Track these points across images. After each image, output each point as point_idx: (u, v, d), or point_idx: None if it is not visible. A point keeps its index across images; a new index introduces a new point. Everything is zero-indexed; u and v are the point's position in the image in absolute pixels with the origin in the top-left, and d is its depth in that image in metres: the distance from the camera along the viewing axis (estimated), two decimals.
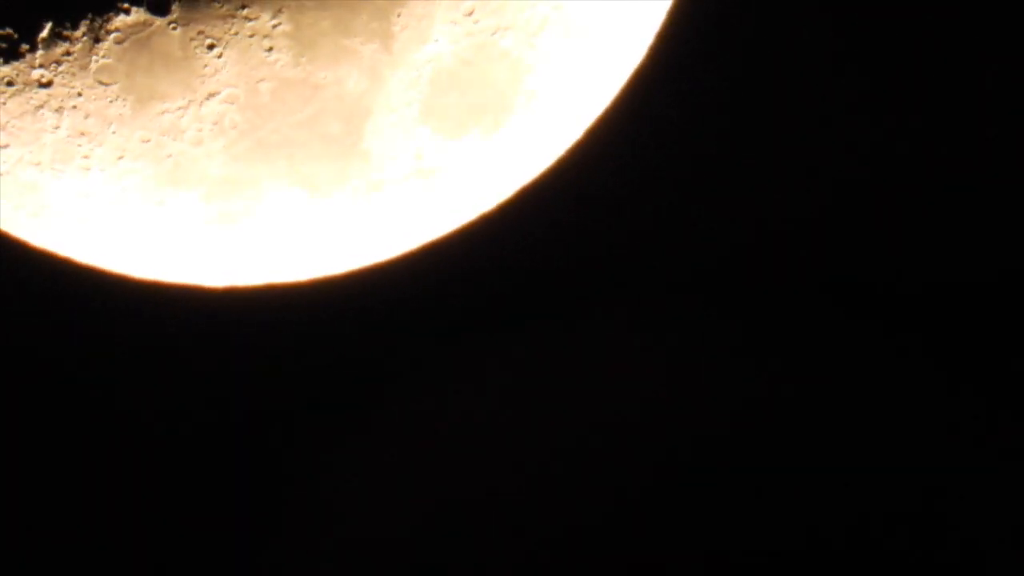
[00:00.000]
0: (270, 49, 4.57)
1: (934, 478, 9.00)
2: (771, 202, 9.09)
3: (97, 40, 4.47)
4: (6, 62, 4.58)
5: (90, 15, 4.42)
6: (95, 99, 4.65)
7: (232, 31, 4.51)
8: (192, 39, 4.51)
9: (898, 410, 9.04)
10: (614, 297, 9.40)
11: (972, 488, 9.03)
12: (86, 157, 4.88)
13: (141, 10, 4.42)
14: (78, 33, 4.46)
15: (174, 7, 4.43)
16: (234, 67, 4.59)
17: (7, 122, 4.79)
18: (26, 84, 4.65)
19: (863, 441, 9.05)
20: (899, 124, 8.77)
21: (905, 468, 8.96)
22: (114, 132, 4.76)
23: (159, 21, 4.46)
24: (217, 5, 4.44)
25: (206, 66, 4.58)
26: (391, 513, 9.41)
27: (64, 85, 4.63)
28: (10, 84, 4.65)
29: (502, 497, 9.34)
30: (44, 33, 4.48)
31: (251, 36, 4.53)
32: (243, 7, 4.46)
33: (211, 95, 4.67)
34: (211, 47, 4.54)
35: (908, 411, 9.04)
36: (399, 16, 4.64)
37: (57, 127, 4.77)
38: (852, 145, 8.85)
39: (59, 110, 4.71)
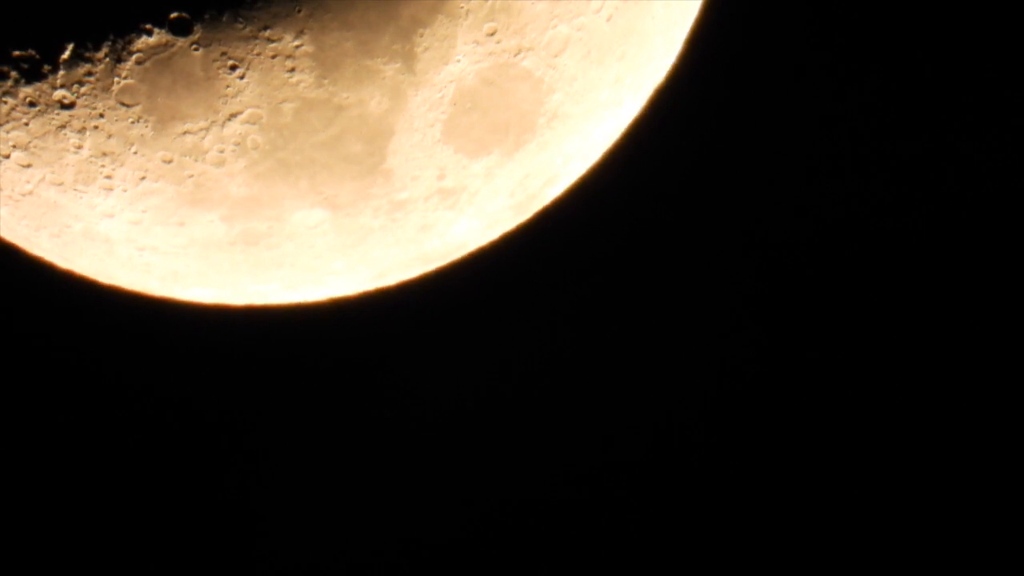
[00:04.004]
0: (292, 70, 4.56)
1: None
2: (788, 218, 9.06)
3: (119, 61, 4.47)
4: (28, 83, 4.59)
5: (112, 36, 4.42)
6: (117, 120, 4.65)
7: (254, 52, 4.50)
8: (214, 60, 4.50)
9: None
10: (628, 310, 9.37)
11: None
12: (108, 177, 4.88)
13: (163, 31, 4.42)
14: (100, 54, 4.46)
15: (196, 28, 4.43)
16: (256, 88, 4.59)
17: (29, 142, 4.79)
18: (48, 105, 4.65)
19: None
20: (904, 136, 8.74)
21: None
22: (136, 152, 4.76)
23: (181, 42, 4.45)
24: (239, 26, 4.44)
25: (228, 87, 4.58)
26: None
27: (86, 106, 4.63)
28: (32, 105, 4.66)
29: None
30: (66, 54, 4.48)
31: (273, 57, 4.52)
32: (265, 28, 4.46)
33: (233, 116, 4.66)
34: (233, 68, 4.53)
35: None
36: (421, 37, 4.63)
37: (79, 147, 4.77)
38: (866, 168, 8.82)
39: (81, 131, 4.71)
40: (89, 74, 4.53)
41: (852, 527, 9.63)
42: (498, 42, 4.80)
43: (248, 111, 4.66)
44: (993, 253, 9.10)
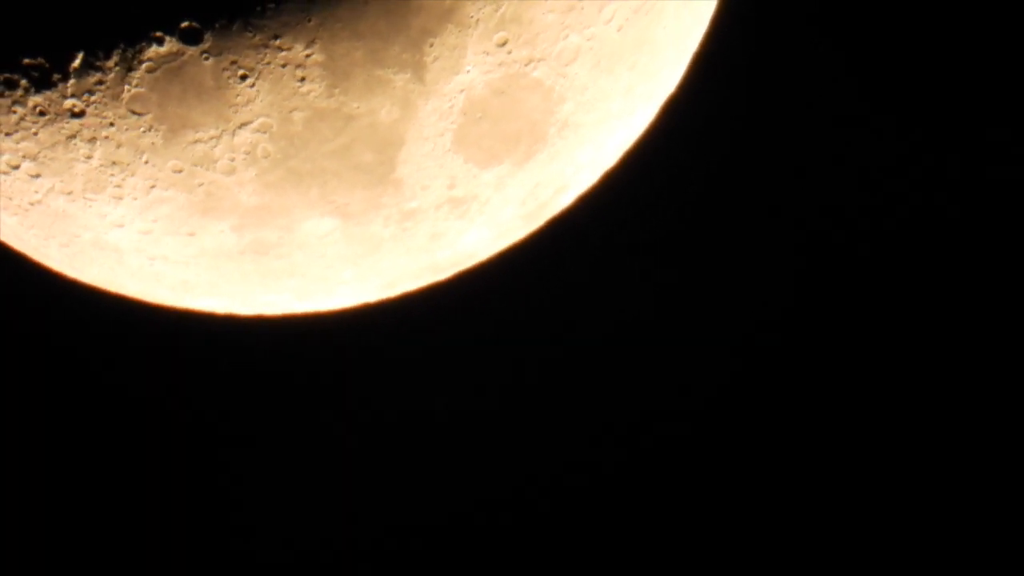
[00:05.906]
0: (303, 79, 4.56)
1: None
2: (800, 225, 9.06)
3: (129, 70, 4.47)
4: (38, 91, 4.58)
5: (122, 45, 4.42)
6: (127, 129, 4.65)
7: (265, 61, 4.50)
8: (225, 69, 4.50)
9: None
10: (639, 319, 9.36)
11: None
12: (118, 187, 4.87)
13: (174, 40, 4.41)
14: (110, 63, 4.46)
15: (206, 37, 4.43)
16: (267, 97, 4.58)
17: (39, 151, 4.79)
18: (58, 114, 4.65)
19: None
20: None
21: None
22: (146, 162, 4.75)
23: (191, 51, 4.45)
24: (250, 35, 4.43)
25: (239, 96, 4.57)
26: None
27: (96, 115, 4.62)
28: (42, 114, 4.65)
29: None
30: (76, 63, 4.47)
31: (284, 66, 4.51)
32: (276, 37, 4.45)
33: (243, 125, 4.66)
34: (244, 77, 4.52)
35: None
36: (432, 46, 4.62)
37: (89, 156, 4.77)
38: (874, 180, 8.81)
39: (91, 140, 4.71)
40: (99, 83, 4.52)
41: (859, 530, 9.62)
42: (508, 52, 4.79)
43: (258, 120, 4.66)
44: (1003, 253, 9.09)
